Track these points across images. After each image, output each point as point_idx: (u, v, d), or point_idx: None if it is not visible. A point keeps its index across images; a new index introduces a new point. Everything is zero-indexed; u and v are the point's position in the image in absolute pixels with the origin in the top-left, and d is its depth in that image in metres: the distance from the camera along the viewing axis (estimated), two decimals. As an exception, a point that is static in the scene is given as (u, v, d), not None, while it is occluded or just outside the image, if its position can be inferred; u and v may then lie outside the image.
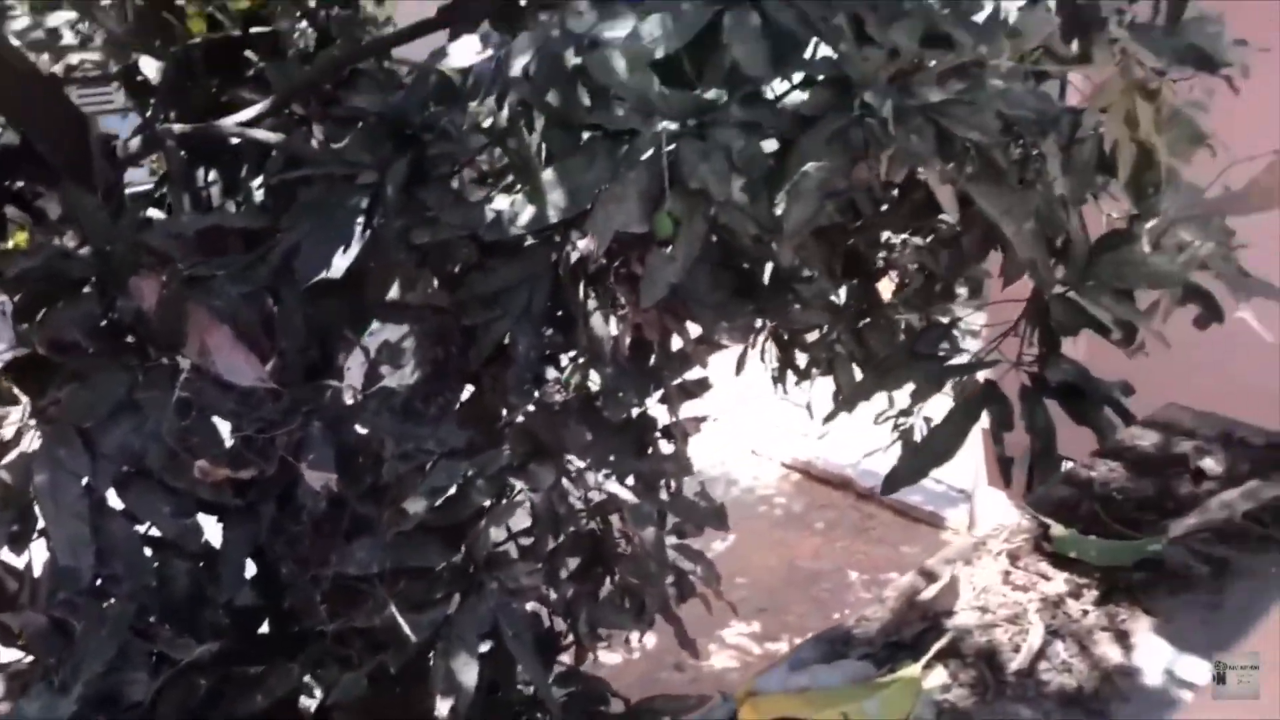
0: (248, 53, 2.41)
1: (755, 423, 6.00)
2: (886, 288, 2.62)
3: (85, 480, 1.63)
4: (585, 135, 1.66)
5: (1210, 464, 1.51)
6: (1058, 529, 1.36)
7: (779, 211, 1.47)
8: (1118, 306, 1.58)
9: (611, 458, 1.90)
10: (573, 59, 1.61)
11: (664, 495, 2.06)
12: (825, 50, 1.53)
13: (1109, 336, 1.62)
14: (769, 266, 2.00)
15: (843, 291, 2.49)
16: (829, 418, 2.01)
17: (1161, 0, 2.05)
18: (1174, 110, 1.86)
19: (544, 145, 1.72)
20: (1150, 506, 1.41)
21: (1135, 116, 1.61)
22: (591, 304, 1.79)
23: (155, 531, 1.74)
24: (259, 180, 2.16)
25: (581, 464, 1.88)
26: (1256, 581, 1.28)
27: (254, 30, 2.39)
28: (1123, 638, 1.25)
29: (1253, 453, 1.52)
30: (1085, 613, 1.27)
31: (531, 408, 1.87)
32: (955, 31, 1.52)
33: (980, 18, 2.02)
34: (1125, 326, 1.61)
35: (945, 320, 2.35)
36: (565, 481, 1.90)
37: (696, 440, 2.10)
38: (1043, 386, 1.69)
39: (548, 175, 1.61)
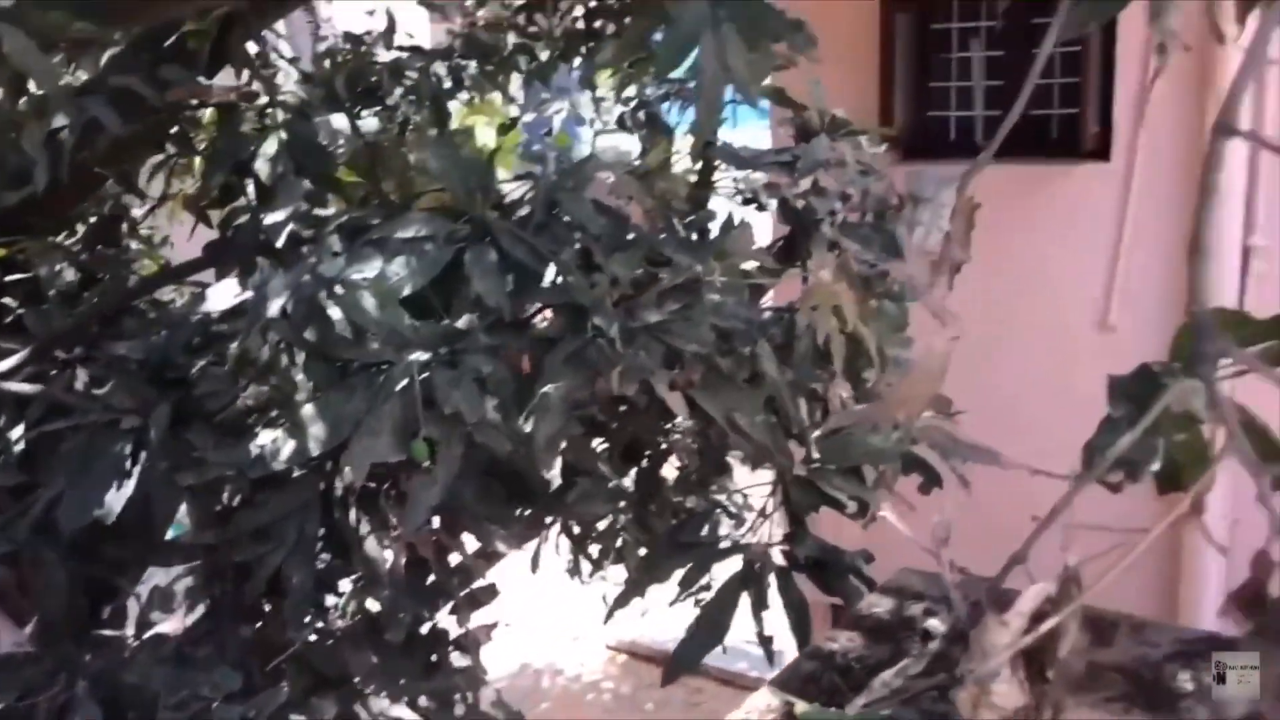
0: (6, 299, 2.39)
1: (577, 605, 5.98)
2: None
3: None
4: (349, 366, 1.74)
5: (935, 624, 1.65)
6: (800, 705, 1.45)
7: (529, 427, 1.57)
8: (848, 484, 1.75)
9: (401, 680, 1.90)
10: (327, 299, 1.71)
11: (460, 709, 2.06)
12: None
13: (845, 512, 1.78)
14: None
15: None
16: (608, 616, 2.08)
17: (869, 200, 2.33)
18: (885, 299, 2.09)
19: (306, 378, 1.78)
20: (883, 671, 1.53)
21: (843, 312, 1.81)
22: (364, 527, 1.83)
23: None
24: (19, 431, 2.12)
25: (369, 689, 1.87)
26: (975, 732, 1.41)
27: (12, 277, 2.38)
28: (860, 804, 1.33)
29: (970, 608, 1.67)
30: (826, 785, 1.35)
31: (313, 637, 1.87)
32: (675, 255, 1.69)
33: (716, 224, 2.25)
34: (858, 501, 1.78)
35: (721, 497, 2.49)
36: (357, 707, 1.89)
37: (519, 631, 2.13)
38: (793, 563, 1.82)
39: (308, 410, 1.67)
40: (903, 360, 2.04)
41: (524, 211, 1.84)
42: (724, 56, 1.64)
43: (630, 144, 2.30)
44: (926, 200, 1.38)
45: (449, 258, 1.65)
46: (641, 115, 2.43)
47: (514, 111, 3.88)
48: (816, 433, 1.68)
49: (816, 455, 1.75)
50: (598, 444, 2.32)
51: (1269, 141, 1.14)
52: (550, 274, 1.66)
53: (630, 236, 1.69)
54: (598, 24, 4.44)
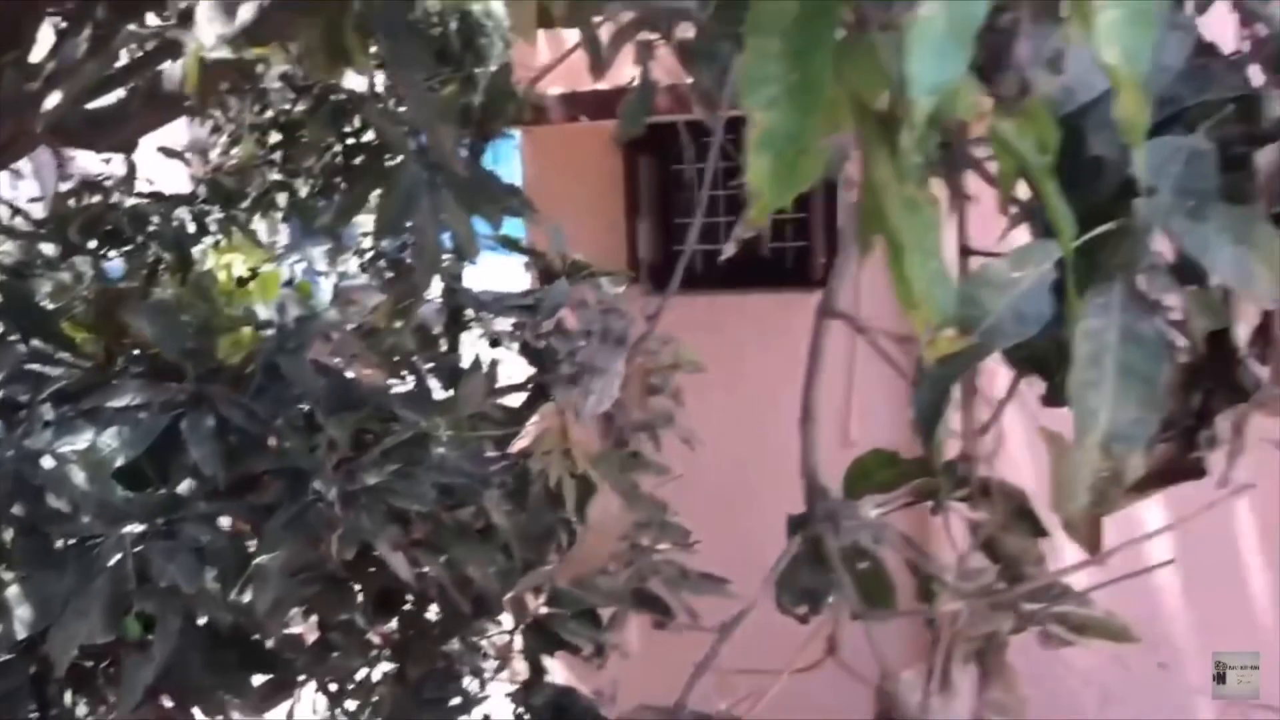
0: None
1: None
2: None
3: None
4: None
5: (662, 762, 1.70)
6: None
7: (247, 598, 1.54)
8: (583, 628, 1.79)
9: None
10: (34, 473, 1.64)
11: None
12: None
13: (580, 655, 1.83)
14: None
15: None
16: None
17: (609, 338, 2.44)
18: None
19: (15, 556, 1.70)
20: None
21: (573, 456, 1.87)
22: (82, 709, 1.73)
23: None
24: None
25: None
26: None
27: None
28: None
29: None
30: None
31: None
32: (400, 410, 1.73)
33: (465, 363, 2.30)
34: (594, 643, 1.83)
35: (480, 641, 2.48)
36: None
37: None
38: (531, 711, 1.84)
39: (13, 591, 1.59)
40: (636, 495, 2.13)
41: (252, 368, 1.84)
42: (439, 218, 1.72)
43: (371, 293, 2.34)
44: (599, 370, 1.47)
45: (164, 425, 1.63)
46: (382, 264, 2.47)
47: (270, 248, 3.86)
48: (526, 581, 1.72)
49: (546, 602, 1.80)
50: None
51: (863, 326, 1.29)
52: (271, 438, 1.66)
53: (356, 395, 1.71)
54: (357, 160, 4.49)
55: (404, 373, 2.14)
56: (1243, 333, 0.82)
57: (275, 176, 4.15)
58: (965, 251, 1.19)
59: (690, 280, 3.76)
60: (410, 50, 1.16)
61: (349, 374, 1.81)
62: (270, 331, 2.15)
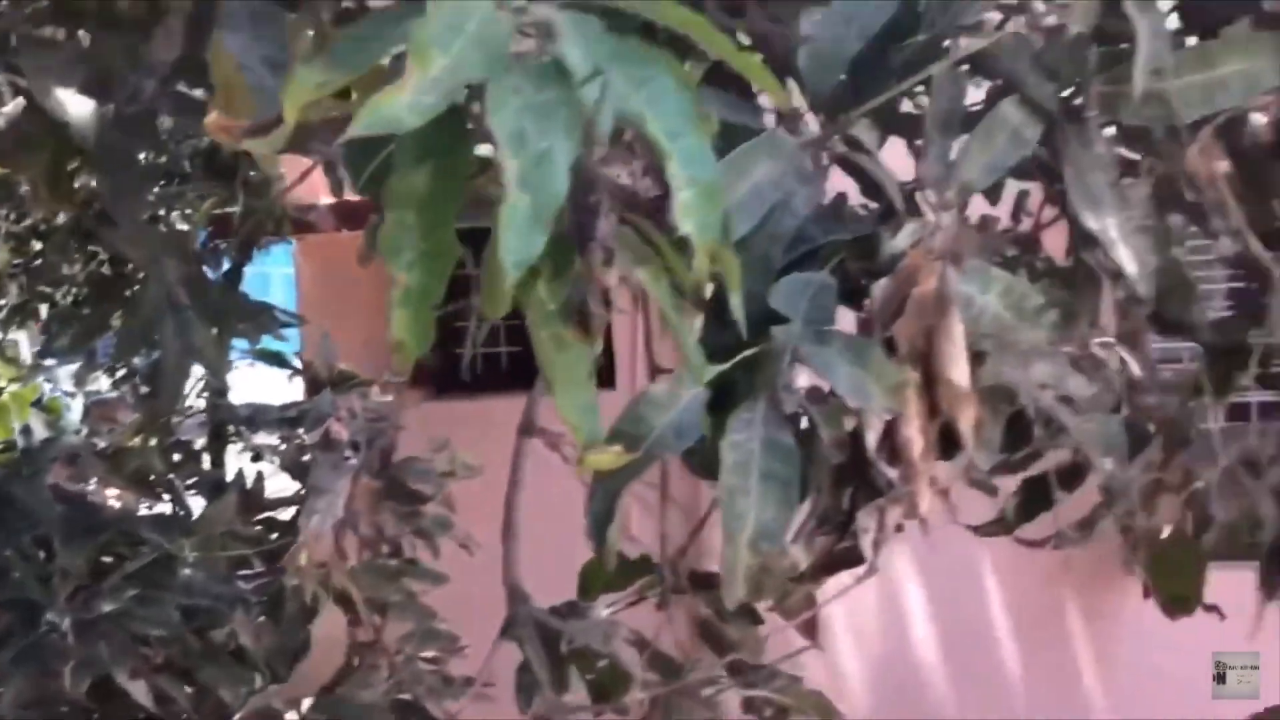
0: None
1: None
2: None
3: None
4: None
5: None
6: None
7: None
8: (342, 743, 1.78)
9: None
10: None
11: None
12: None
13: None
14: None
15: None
16: None
17: (375, 451, 2.45)
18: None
19: None
20: None
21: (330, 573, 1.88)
22: None
23: None
24: None
25: None
26: None
27: None
28: None
29: None
30: None
31: None
32: (147, 534, 1.70)
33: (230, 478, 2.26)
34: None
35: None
36: None
37: None
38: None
39: None
40: (405, 605, 2.15)
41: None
42: (187, 338, 1.73)
43: (124, 410, 2.29)
44: (322, 490, 1.52)
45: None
46: (136, 380, 2.43)
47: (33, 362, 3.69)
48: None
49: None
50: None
51: (560, 445, 1.40)
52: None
53: (97, 520, 1.68)
54: (129, 268, 4.36)
55: (161, 492, 2.10)
56: (871, 439, 0.95)
57: (36, 287, 3.97)
58: (655, 371, 1.31)
59: (472, 382, 3.82)
60: (130, 186, 1.19)
61: (94, 497, 1.77)
62: (13, 454, 2.08)
